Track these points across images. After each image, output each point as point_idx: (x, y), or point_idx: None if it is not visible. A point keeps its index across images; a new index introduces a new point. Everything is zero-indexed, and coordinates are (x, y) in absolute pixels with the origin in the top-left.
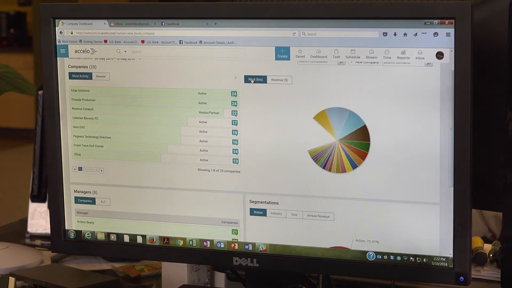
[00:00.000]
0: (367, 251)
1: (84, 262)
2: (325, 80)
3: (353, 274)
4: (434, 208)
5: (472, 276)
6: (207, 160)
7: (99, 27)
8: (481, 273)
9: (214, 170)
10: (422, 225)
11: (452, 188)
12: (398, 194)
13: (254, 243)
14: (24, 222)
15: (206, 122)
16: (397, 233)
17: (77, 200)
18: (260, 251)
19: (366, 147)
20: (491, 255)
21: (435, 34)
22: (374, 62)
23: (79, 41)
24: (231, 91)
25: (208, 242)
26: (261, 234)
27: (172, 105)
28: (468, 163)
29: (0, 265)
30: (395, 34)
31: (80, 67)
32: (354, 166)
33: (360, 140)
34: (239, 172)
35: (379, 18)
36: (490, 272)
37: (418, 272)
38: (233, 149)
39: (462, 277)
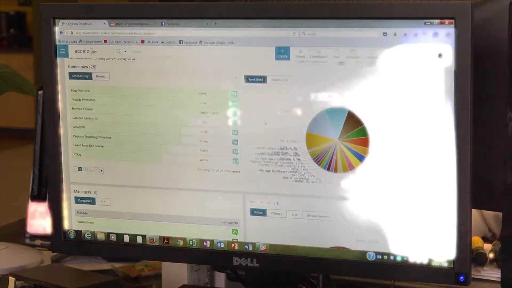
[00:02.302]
0: (367, 251)
1: (84, 262)
2: (325, 80)
3: (353, 274)
4: (434, 208)
5: (472, 276)
6: (207, 160)
7: (99, 27)
8: (481, 273)
9: (214, 170)
10: (422, 225)
11: (452, 188)
12: (398, 194)
13: (254, 243)
14: (24, 222)
15: (206, 122)
16: (397, 233)
17: (77, 200)
18: (260, 251)
19: (366, 143)
20: (491, 255)
21: (435, 34)
22: (374, 62)
23: (79, 41)
24: (231, 91)
25: (208, 242)
26: (261, 234)
27: (172, 105)
28: (468, 163)
29: (0, 265)
30: (395, 34)
31: (80, 67)
32: (362, 159)
33: (359, 140)
34: (239, 172)
35: (379, 18)
36: (490, 272)
37: (418, 272)
38: (233, 149)
39: (462, 277)
